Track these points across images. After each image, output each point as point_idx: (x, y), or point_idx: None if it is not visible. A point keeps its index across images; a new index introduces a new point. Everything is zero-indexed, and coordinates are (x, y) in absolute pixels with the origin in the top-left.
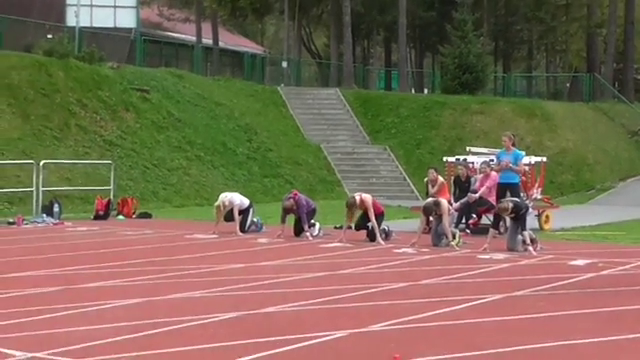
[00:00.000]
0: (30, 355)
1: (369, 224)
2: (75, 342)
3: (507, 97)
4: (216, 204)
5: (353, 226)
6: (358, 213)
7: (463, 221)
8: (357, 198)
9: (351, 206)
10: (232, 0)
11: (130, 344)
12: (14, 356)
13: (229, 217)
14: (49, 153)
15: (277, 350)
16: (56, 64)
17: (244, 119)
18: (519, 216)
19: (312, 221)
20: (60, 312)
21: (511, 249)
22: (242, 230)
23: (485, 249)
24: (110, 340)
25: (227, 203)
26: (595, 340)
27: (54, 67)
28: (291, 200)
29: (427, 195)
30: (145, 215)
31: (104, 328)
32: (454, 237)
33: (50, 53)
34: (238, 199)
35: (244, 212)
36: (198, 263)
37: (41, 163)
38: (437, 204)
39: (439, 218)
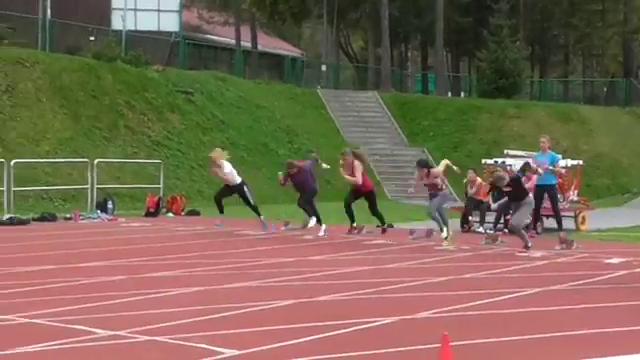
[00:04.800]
0: (112, 333)
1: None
2: (149, 323)
3: (543, 102)
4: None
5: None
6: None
7: (502, 221)
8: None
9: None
10: (271, 4)
11: (199, 325)
12: (97, 334)
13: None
14: (99, 152)
15: (332, 333)
16: (104, 67)
17: (285, 121)
18: (520, 192)
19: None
20: (130, 297)
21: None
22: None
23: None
24: (180, 322)
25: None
26: (628, 329)
27: (103, 70)
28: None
29: (466, 196)
30: (194, 212)
31: (173, 312)
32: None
33: (98, 56)
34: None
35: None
36: (251, 257)
37: (95, 162)
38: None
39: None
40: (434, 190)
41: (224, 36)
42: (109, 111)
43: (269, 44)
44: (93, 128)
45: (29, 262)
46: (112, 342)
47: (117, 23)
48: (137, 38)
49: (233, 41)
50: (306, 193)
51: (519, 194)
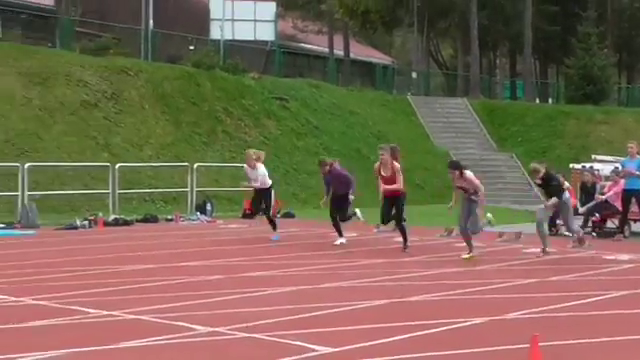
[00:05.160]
0: (211, 329)
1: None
2: (246, 320)
3: (631, 107)
4: None
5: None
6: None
7: (589, 224)
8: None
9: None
10: (363, 13)
11: (294, 323)
12: (197, 330)
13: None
14: (199, 157)
15: (423, 332)
16: (204, 75)
17: (377, 127)
18: (550, 188)
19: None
20: (228, 296)
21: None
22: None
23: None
24: (276, 320)
25: None
26: None
27: (202, 78)
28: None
29: None
30: (289, 215)
31: (269, 310)
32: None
33: (198, 65)
34: None
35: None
36: (344, 258)
37: (195, 166)
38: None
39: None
40: (466, 194)
41: (318, 45)
42: (208, 117)
43: (361, 52)
44: (193, 134)
45: (133, 261)
46: (212, 338)
47: (215, 33)
48: (234, 47)
49: (326, 49)
50: (338, 200)
51: (550, 191)
